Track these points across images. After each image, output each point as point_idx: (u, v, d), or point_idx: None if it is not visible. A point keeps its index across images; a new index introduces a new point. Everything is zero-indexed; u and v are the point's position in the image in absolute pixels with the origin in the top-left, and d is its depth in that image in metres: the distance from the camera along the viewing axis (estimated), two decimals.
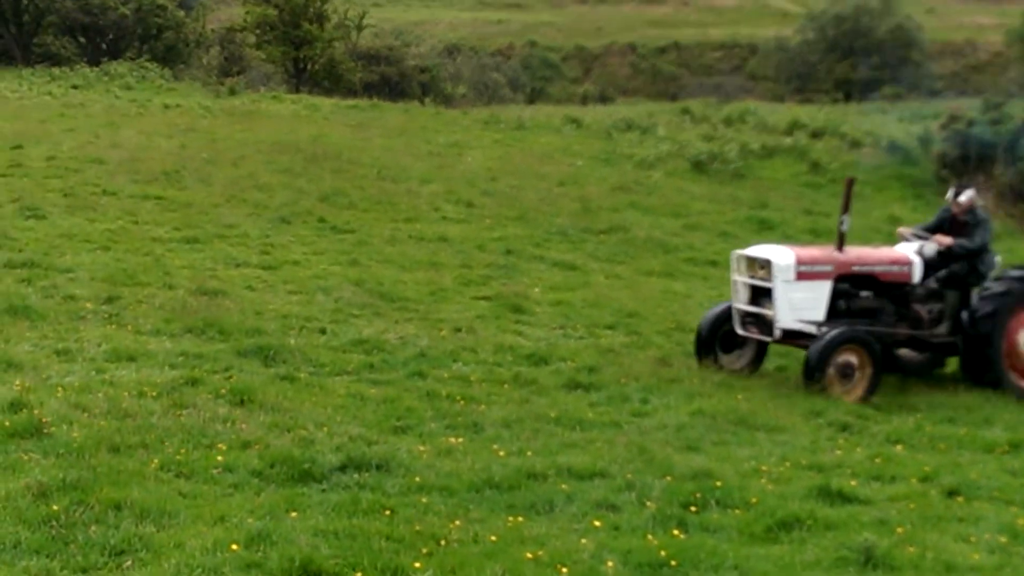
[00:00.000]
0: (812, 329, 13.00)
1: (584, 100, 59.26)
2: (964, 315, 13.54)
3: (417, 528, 7.82)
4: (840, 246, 13.51)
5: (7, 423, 9.27)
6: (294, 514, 7.97)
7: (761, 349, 13.70)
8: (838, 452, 10.58)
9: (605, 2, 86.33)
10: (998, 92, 44.73)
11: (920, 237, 13.97)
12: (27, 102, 33.04)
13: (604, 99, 59.93)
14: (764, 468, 9.79)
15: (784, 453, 10.35)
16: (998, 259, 14.02)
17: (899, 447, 10.91)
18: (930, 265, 13.77)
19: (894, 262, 13.68)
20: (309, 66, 48.56)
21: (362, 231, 19.94)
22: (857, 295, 13.47)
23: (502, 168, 26.64)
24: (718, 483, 9.11)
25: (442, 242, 19.62)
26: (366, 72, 49.50)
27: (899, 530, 8.40)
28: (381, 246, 18.99)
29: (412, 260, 18.17)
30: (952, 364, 14.11)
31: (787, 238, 22.81)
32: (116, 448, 8.94)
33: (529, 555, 7.54)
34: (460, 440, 10.01)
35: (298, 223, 20.09)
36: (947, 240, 13.70)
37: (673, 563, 7.59)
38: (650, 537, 8.00)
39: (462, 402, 11.24)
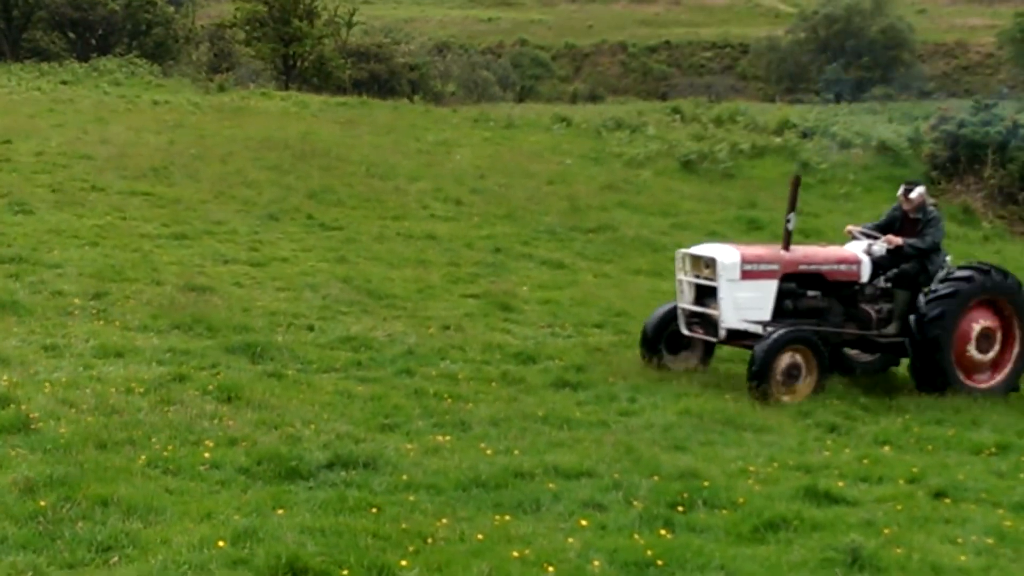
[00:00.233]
0: (758, 329, 12.76)
1: (574, 99, 59.32)
2: (912, 319, 13.24)
3: (404, 526, 7.82)
4: (786, 245, 13.27)
5: None
6: (281, 511, 7.96)
7: (708, 350, 13.46)
8: (826, 453, 10.60)
9: (596, 1, 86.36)
10: (989, 93, 44.91)
11: (869, 236, 13.74)
12: (16, 97, 32.93)
13: (594, 98, 60.00)
14: (751, 468, 9.80)
15: (771, 454, 10.36)
16: (948, 258, 13.82)
17: (887, 448, 10.93)
18: (880, 264, 13.55)
19: (841, 261, 13.44)
20: (298, 63, 48.48)
21: (350, 228, 19.92)
22: (804, 294, 13.23)
23: (491, 166, 26.62)
24: (705, 483, 9.12)
25: (430, 240, 19.61)
26: (355, 69, 49.46)
27: (886, 531, 8.41)
28: (369, 243, 18.98)
29: (400, 257, 18.17)
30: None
31: (776, 238, 22.81)
32: (103, 444, 8.93)
33: (516, 554, 7.54)
34: (447, 438, 10.01)
35: (286, 220, 20.06)
36: (897, 240, 13.46)
37: (659, 563, 7.59)
38: (637, 537, 8.01)
39: (450, 400, 11.24)
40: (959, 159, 27.89)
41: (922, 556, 8.00)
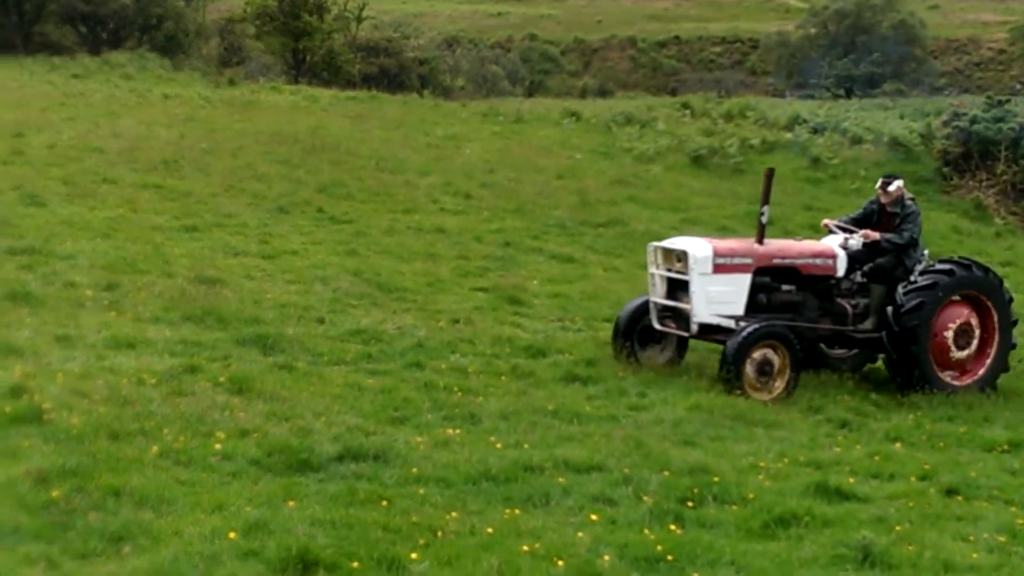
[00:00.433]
0: (730, 324, 12.58)
1: (583, 93, 59.23)
2: (889, 310, 13.11)
3: (414, 519, 7.83)
4: (760, 238, 13.13)
5: (7, 409, 9.27)
6: (291, 503, 7.98)
7: (682, 344, 13.29)
8: (837, 449, 10.60)
9: None
10: (1001, 89, 44.75)
11: (846, 230, 13.59)
12: (28, 91, 32.99)
13: (603, 93, 59.89)
14: (762, 464, 9.80)
15: (782, 449, 10.36)
16: (926, 252, 13.68)
17: (898, 445, 10.93)
18: (856, 259, 13.41)
19: (817, 255, 13.29)
20: (308, 57, 48.50)
21: (360, 222, 19.94)
22: (778, 289, 13.07)
23: (500, 161, 26.62)
24: (715, 479, 9.12)
25: (440, 233, 19.62)
26: (365, 64, 49.45)
27: (897, 528, 8.41)
28: (379, 237, 18.99)
29: (410, 251, 18.18)
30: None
31: (787, 233, 22.76)
32: (115, 435, 8.95)
33: (525, 548, 7.54)
34: (457, 432, 10.02)
35: (296, 213, 20.09)
36: (874, 235, 13.32)
37: (669, 558, 7.60)
38: (647, 532, 8.01)
39: (459, 393, 11.25)
40: (971, 155, 27.82)
41: (934, 553, 8.00)
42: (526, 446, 9.71)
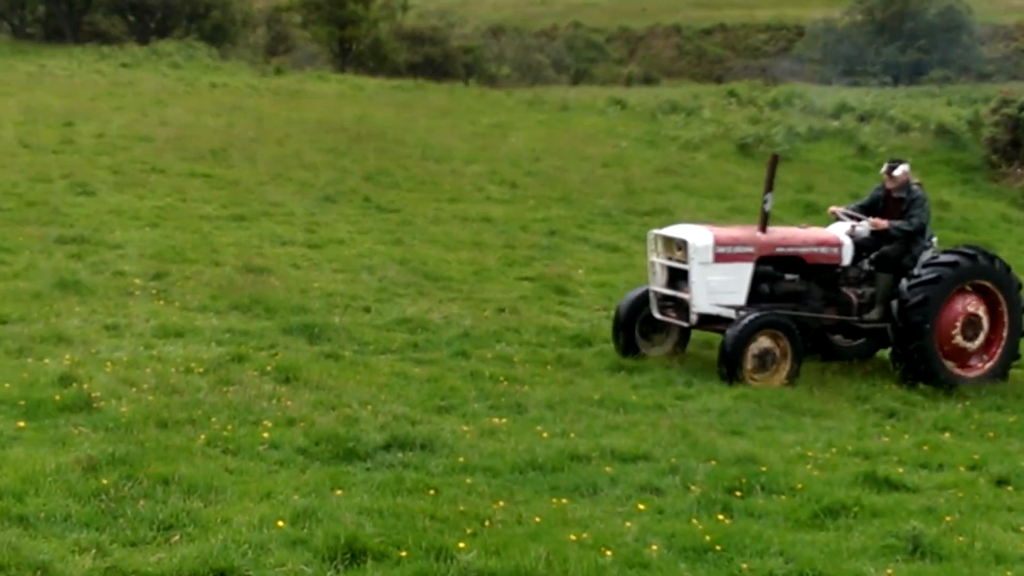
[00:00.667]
0: (731, 314, 12.26)
1: (628, 81, 58.98)
2: (894, 305, 12.69)
3: (461, 508, 7.84)
4: (763, 226, 12.80)
5: (57, 397, 9.38)
6: (339, 492, 8.01)
7: (684, 335, 12.98)
8: (885, 439, 10.51)
9: None
10: None
11: (853, 217, 13.23)
12: (77, 80, 33.31)
13: (649, 80, 59.64)
14: (810, 454, 9.74)
15: (830, 439, 10.28)
16: (934, 240, 13.32)
17: (947, 434, 10.82)
18: (863, 247, 13.05)
19: (822, 243, 12.93)
20: (354, 46, 48.65)
21: (406, 211, 19.98)
22: (782, 278, 12.74)
23: (546, 149, 26.59)
24: (763, 468, 9.07)
25: (486, 222, 19.62)
26: (410, 52, 49.54)
27: (947, 519, 8.32)
28: (425, 226, 19.02)
29: (456, 240, 18.19)
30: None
31: (833, 221, 22.65)
32: (164, 423, 9.02)
33: (573, 537, 7.53)
34: (504, 421, 10.02)
35: (343, 202, 20.15)
36: (882, 223, 12.96)
37: (718, 548, 7.56)
38: (694, 521, 7.98)
39: (506, 383, 11.25)
40: (1020, 142, 27.50)
41: (984, 544, 7.91)
42: (572, 435, 9.70)
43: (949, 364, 12.79)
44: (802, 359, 12.20)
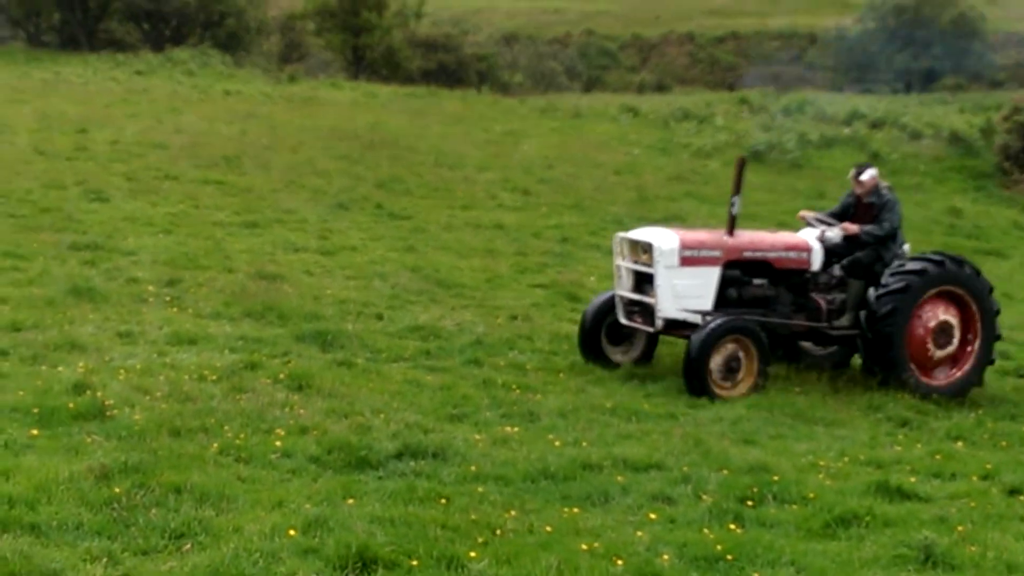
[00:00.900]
0: (697, 319, 12.04)
1: (641, 89, 58.99)
2: (862, 315, 12.51)
3: (473, 517, 7.83)
4: (730, 230, 12.55)
5: (71, 405, 9.39)
6: (351, 501, 8.01)
7: (652, 340, 12.77)
8: (897, 448, 10.49)
9: None
10: None
11: (824, 222, 13.04)
12: (92, 87, 33.41)
13: (661, 88, 59.64)
14: (822, 463, 9.72)
15: (842, 448, 10.27)
16: (906, 246, 13.08)
17: (959, 444, 10.79)
18: (835, 252, 12.86)
19: (790, 248, 12.72)
20: (368, 53, 48.74)
21: (419, 218, 20.01)
22: (750, 283, 12.51)
23: (558, 156, 26.61)
24: (775, 477, 9.05)
25: (498, 229, 19.64)
26: (424, 60, 49.62)
27: (959, 528, 8.30)
28: (438, 233, 19.04)
29: (468, 247, 18.21)
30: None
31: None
32: (177, 431, 9.03)
33: (584, 546, 7.53)
34: (516, 429, 10.02)
35: (356, 209, 20.19)
36: (853, 227, 12.78)
37: (729, 557, 7.55)
38: (706, 531, 7.97)
39: (518, 391, 11.25)
40: None
41: (997, 554, 7.88)
42: (585, 444, 9.69)
43: (921, 373, 12.59)
44: (768, 366, 11.96)
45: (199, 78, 38.19)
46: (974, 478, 9.65)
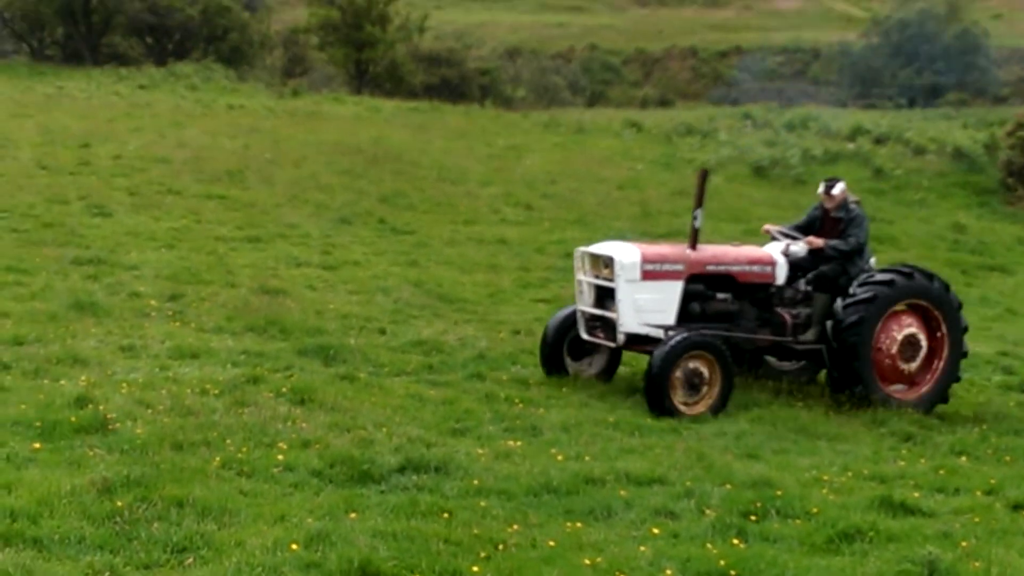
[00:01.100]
0: (660, 334, 11.83)
1: (644, 104, 59.05)
2: (828, 325, 12.32)
3: (475, 532, 7.82)
4: (693, 243, 12.41)
5: (73, 418, 9.38)
6: (353, 515, 7.99)
7: (615, 355, 12.59)
8: (901, 463, 10.47)
9: (666, 5, 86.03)
10: None
11: (789, 236, 12.93)
12: (95, 101, 33.46)
13: (664, 103, 59.70)
14: (825, 478, 9.70)
15: (846, 463, 10.25)
16: (873, 260, 12.98)
17: (963, 459, 10.77)
18: (800, 266, 12.71)
19: (754, 262, 12.56)
20: (371, 68, 48.84)
21: (422, 232, 20.03)
22: (713, 297, 12.36)
23: (561, 171, 26.63)
24: (778, 492, 9.03)
25: (501, 244, 19.65)
26: (427, 74, 49.71)
27: (963, 544, 8.27)
28: (440, 247, 19.06)
29: (471, 262, 18.21)
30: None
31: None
32: (179, 445, 9.02)
33: (587, 561, 7.51)
34: (518, 443, 10.00)
35: (359, 224, 20.21)
36: (818, 241, 12.66)
37: (732, 573, 7.52)
38: (709, 546, 7.95)
39: (520, 405, 11.24)
40: None
41: (1001, 570, 7.85)
42: (587, 458, 9.68)
43: (886, 386, 12.44)
44: (732, 383, 11.75)
45: (202, 92, 38.26)
46: (978, 493, 9.62)
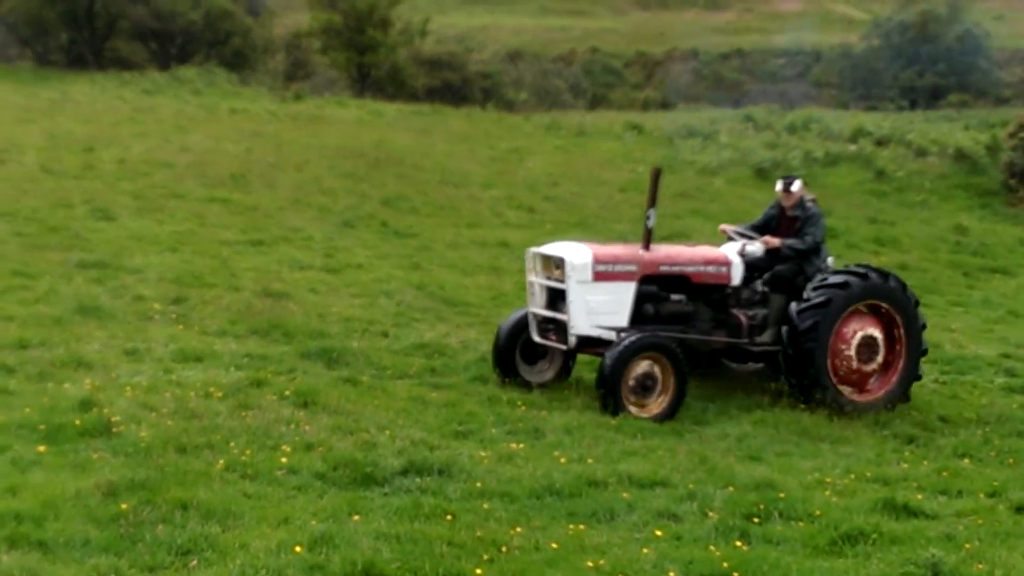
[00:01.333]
0: (612, 336, 11.67)
1: (646, 106, 59.04)
2: (784, 330, 12.19)
3: (478, 534, 7.84)
4: (646, 244, 12.24)
5: (77, 422, 9.43)
6: (356, 517, 8.02)
7: (568, 359, 12.44)
8: (904, 465, 10.48)
9: (667, 8, 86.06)
10: None
11: (745, 236, 12.80)
12: (99, 106, 33.48)
13: (666, 105, 59.67)
14: (828, 480, 9.72)
15: (848, 465, 10.26)
16: (831, 260, 12.82)
17: (966, 461, 10.79)
18: (757, 267, 12.57)
19: (709, 262, 12.41)
20: (373, 71, 48.86)
21: (424, 236, 20.05)
22: (667, 299, 12.21)
23: (563, 174, 26.65)
24: (781, 494, 9.05)
25: (503, 247, 19.66)
26: (429, 78, 49.72)
27: (967, 546, 8.28)
28: (443, 251, 19.08)
29: (473, 265, 18.23)
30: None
31: (851, 246, 22.62)
32: (183, 448, 9.06)
33: (590, 564, 7.53)
34: (521, 446, 10.03)
35: (361, 227, 20.23)
36: (774, 241, 12.54)
37: (735, 575, 7.54)
38: (712, 548, 7.96)
39: (523, 407, 11.26)
40: None
41: (1004, 572, 7.87)
42: (590, 461, 9.70)
43: (844, 388, 12.32)
44: (685, 385, 11.62)
45: (205, 96, 38.29)
46: (981, 495, 9.64)
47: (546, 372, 12.50)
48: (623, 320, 11.90)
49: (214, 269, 16.12)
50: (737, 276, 12.51)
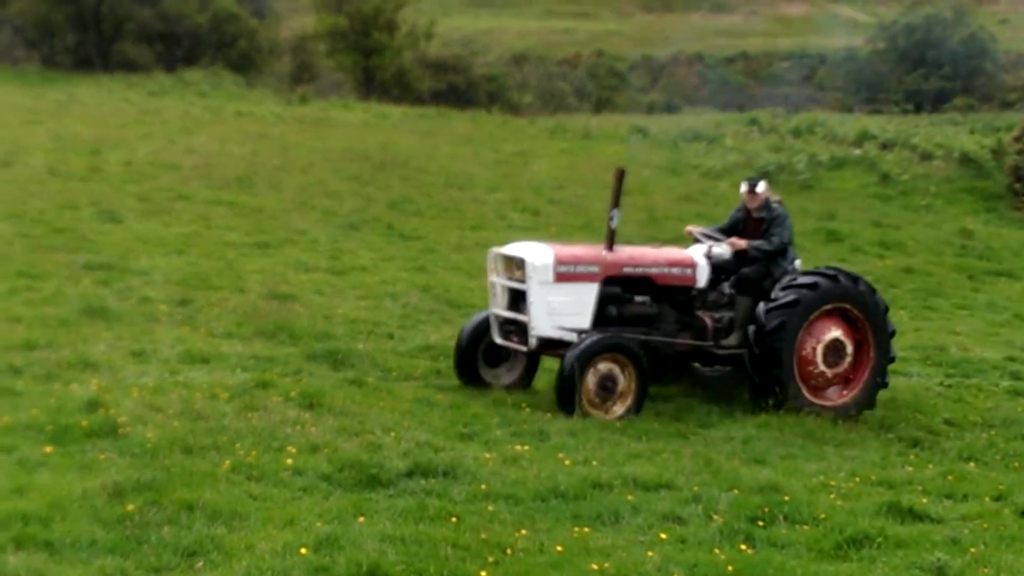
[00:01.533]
0: (574, 338, 11.52)
1: (650, 110, 59.05)
2: (750, 330, 12.00)
3: (483, 536, 7.85)
4: (610, 245, 12.08)
5: (84, 423, 9.45)
6: (362, 519, 8.04)
7: (532, 362, 12.30)
8: (909, 468, 10.48)
9: (672, 12, 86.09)
10: None
11: (711, 238, 12.62)
12: (106, 108, 33.53)
13: (671, 109, 59.67)
14: (833, 483, 9.73)
15: (853, 468, 10.27)
16: (798, 262, 12.63)
17: (971, 464, 10.79)
18: (724, 269, 12.41)
19: (673, 264, 12.23)
20: (379, 74, 48.89)
21: (429, 238, 20.07)
22: (631, 300, 12.03)
23: (568, 177, 26.65)
24: (786, 497, 9.06)
25: None
26: (434, 81, 49.75)
27: (972, 550, 8.29)
28: (448, 253, 19.10)
29: (478, 267, 18.17)
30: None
31: (855, 250, 22.63)
32: (189, 449, 9.08)
33: (595, 566, 7.54)
34: (526, 448, 10.04)
35: (366, 230, 20.25)
36: (741, 242, 12.36)
37: None
38: (717, 551, 7.97)
39: (528, 410, 11.28)
40: None
41: None
42: (595, 463, 9.71)
43: (809, 392, 12.16)
44: (647, 387, 11.54)
45: (211, 99, 38.34)
46: (986, 499, 9.64)
47: (509, 375, 12.35)
48: (585, 322, 11.74)
49: (220, 271, 16.15)
50: (703, 278, 12.34)
